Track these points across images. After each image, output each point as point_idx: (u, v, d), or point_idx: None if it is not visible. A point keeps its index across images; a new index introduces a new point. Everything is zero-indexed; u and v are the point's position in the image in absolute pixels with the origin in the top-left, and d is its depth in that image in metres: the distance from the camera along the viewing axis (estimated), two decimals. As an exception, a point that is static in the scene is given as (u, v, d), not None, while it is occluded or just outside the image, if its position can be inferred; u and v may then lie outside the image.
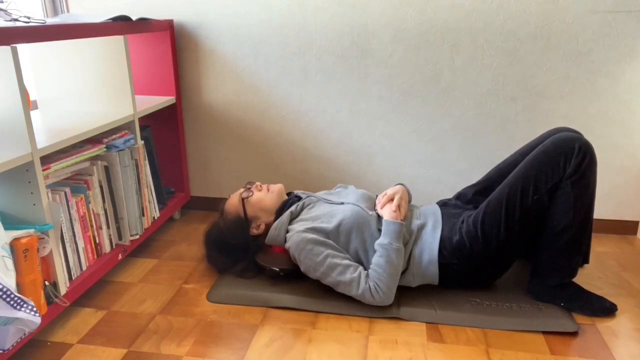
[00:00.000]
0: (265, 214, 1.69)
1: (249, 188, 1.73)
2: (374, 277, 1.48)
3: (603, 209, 2.03)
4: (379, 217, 1.59)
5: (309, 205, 1.68)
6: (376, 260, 1.50)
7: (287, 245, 1.59)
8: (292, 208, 1.66)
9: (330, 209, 1.61)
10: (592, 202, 1.48)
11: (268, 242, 1.67)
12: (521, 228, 1.47)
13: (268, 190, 1.72)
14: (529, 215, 1.46)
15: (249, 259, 1.69)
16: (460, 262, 1.52)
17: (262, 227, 1.69)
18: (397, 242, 1.51)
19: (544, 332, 1.41)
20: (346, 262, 1.51)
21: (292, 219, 1.65)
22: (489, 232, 1.48)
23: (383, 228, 1.53)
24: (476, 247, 1.49)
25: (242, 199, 1.69)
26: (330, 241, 1.54)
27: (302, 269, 1.57)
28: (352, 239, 1.55)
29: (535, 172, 1.45)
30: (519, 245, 1.51)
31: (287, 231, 1.62)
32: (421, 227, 1.59)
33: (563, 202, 1.43)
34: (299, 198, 1.74)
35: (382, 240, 1.51)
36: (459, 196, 1.75)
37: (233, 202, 1.72)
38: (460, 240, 1.51)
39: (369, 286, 1.48)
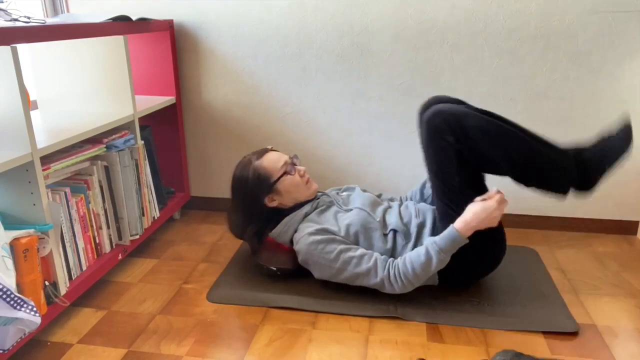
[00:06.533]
0: (288, 199, 1.66)
1: (294, 165, 1.66)
2: (401, 268, 1.45)
3: (603, 209, 2.03)
4: (384, 223, 1.59)
5: (321, 206, 1.66)
6: (415, 255, 1.45)
7: (297, 248, 1.58)
8: (307, 209, 1.65)
9: (339, 214, 1.62)
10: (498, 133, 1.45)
11: (272, 236, 1.66)
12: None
13: (307, 183, 1.67)
14: (464, 195, 1.46)
15: (254, 227, 1.67)
16: (455, 257, 1.52)
17: (275, 203, 1.66)
18: (447, 254, 1.44)
19: (544, 332, 1.41)
20: (359, 252, 1.50)
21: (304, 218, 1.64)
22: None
23: (448, 231, 1.43)
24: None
25: (285, 172, 1.63)
26: (340, 237, 1.54)
27: (317, 273, 1.57)
28: (360, 242, 1.55)
29: (436, 167, 1.48)
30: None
31: (296, 230, 1.61)
32: (421, 227, 1.59)
33: (474, 158, 1.45)
34: (316, 198, 1.72)
35: (439, 242, 1.43)
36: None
37: (273, 164, 1.63)
38: None
39: (389, 274, 1.46)
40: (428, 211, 1.63)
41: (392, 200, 1.79)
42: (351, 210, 1.63)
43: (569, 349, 1.35)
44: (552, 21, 1.84)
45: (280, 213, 1.66)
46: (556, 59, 1.88)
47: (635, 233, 2.03)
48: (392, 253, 1.56)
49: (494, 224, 1.44)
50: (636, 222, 2.03)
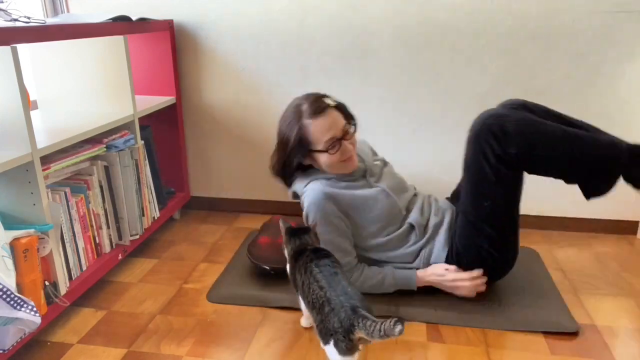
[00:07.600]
0: (320, 167, 1.60)
1: (342, 140, 1.53)
2: (357, 277, 1.53)
3: (603, 209, 2.02)
4: (406, 213, 1.60)
5: (353, 177, 1.62)
6: (372, 272, 1.55)
7: (305, 195, 1.56)
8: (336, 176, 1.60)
9: (366, 193, 1.59)
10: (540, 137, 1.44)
11: (293, 188, 1.65)
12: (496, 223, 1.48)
13: (346, 161, 1.56)
14: (497, 213, 1.47)
15: (286, 171, 1.65)
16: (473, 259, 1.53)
17: (309, 162, 1.61)
18: (394, 287, 1.54)
19: (544, 332, 1.41)
20: (348, 247, 1.54)
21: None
22: (477, 237, 1.49)
23: (410, 272, 1.55)
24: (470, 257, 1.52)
25: (326, 148, 1.53)
26: (343, 223, 1.54)
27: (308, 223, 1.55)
28: (375, 219, 1.57)
29: (477, 190, 1.48)
30: (509, 233, 1.52)
31: (316, 179, 1.58)
32: (438, 226, 1.58)
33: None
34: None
35: (398, 274, 1.54)
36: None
37: (319, 134, 1.52)
38: (459, 252, 1.53)
39: (352, 274, 1.52)
40: (447, 210, 1.63)
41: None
42: (377, 188, 1.59)
43: (569, 349, 1.35)
44: (552, 21, 1.84)
45: (312, 167, 1.63)
46: (556, 59, 1.88)
47: (635, 233, 2.03)
48: (399, 245, 1.57)
49: (458, 293, 1.54)
50: (636, 222, 2.02)
